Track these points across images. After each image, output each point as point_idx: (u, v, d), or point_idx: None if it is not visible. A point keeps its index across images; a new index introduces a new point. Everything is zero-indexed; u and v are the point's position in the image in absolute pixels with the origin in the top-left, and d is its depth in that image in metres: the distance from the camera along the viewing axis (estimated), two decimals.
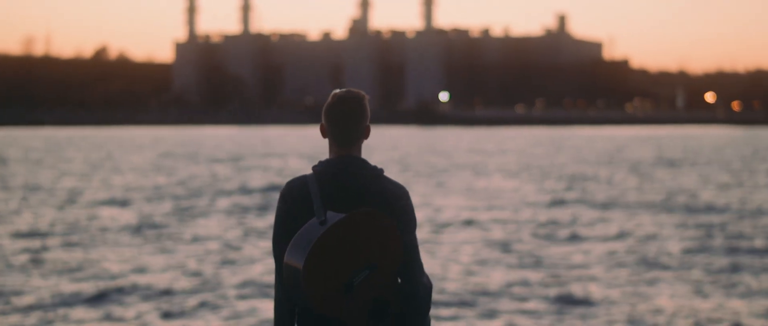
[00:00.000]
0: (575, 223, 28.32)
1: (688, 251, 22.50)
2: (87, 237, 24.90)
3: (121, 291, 17.23)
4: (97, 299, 16.59)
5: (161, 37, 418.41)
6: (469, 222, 28.50)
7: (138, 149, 79.92)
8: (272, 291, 16.72)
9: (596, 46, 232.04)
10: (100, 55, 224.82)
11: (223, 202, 34.72)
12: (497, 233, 26.05)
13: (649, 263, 20.67)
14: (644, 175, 49.78)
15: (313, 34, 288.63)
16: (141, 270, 19.60)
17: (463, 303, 16.32)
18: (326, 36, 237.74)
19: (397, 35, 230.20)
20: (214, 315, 15.47)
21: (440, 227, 27.39)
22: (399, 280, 4.97)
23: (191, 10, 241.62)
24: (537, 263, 20.65)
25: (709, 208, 32.76)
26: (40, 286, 17.68)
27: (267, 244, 23.24)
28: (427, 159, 66.38)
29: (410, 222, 4.99)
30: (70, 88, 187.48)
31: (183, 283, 18.08)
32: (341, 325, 4.85)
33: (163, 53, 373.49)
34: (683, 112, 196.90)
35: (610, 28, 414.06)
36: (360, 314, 4.81)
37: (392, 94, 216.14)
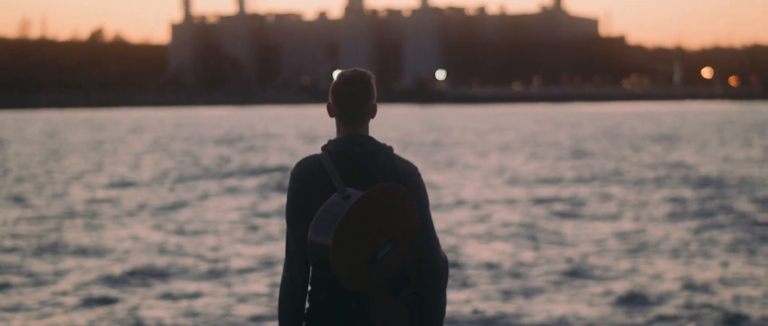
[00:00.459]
0: (576, 199, 28.40)
1: (686, 223, 22.60)
2: (96, 219, 24.99)
3: (131, 273, 17.33)
4: (109, 281, 16.69)
5: (157, 19, 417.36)
6: (470, 201, 28.59)
7: (137, 130, 79.87)
8: (277, 269, 16.81)
9: (592, 23, 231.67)
10: (96, 37, 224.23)
11: (231, 182, 34.79)
12: (501, 210, 26.15)
13: (649, 238, 20.78)
14: (642, 150, 49.84)
15: (309, 13, 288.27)
16: (148, 250, 19.71)
17: (470, 281, 16.44)
18: (322, 15, 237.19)
19: (393, 14, 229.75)
20: (221, 293, 15.57)
21: (446, 206, 27.46)
22: (416, 255, 5.07)
23: None
24: (541, 238, 20.75)
25: (708, 182, 32.83)
26: (56, 269, 17.79)
27: (277, 223, 23.33)
28: (432, 137, 66.38)
29: (423, 198, 5.08)
30: (67, 70, 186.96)
31: (188, 262, 18.18)
32: (357, 299, 4.95)
33: (160, 35, 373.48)
34: (680, 88, 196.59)
35: (606, 4, 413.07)
36: (381, 288, 4.91)
37: (389, 73, 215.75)
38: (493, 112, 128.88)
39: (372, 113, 5.12)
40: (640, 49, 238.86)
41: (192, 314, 14.15)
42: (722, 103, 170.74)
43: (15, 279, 16.59)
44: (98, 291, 15.72)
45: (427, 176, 36.43)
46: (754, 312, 14.00)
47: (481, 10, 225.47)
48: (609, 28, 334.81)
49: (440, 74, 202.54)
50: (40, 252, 19.44)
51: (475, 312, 14.09)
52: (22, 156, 49.87)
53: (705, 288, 15.55)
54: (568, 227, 22.61)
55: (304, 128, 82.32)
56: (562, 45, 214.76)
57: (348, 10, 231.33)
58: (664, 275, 16.66)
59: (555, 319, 13.75)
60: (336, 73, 5.12)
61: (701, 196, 28.70)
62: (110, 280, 16.57)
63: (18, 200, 29.39)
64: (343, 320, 4.94)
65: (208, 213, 25.80)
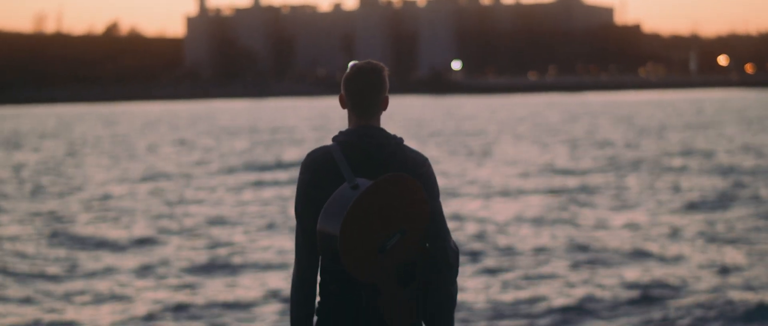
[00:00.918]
0: (595, 187, 28.39)
1: (706, 210, 22.58)
2: (118, 213, 25.08)
3: (149, 267, 17.39)
4: (139, 272, 16.76)
5: (172, 12, 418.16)
6: (492, 190, 28.60)
7: (154, 124, 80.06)
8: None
9: (607, 11, 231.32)
10: (112, 31, 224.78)
11: (253, 176, 34.85)
12: (520, 199, 26.14)
13: (668, 225, 20.76)
14: (661, 138, 49.77)
15: (324, 5, 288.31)
16: (167, 243, 19.77)
17: (490, 267, 16.45)
18: (337, 7, 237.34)
19: (408, 5, 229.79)
20: (241, 286, 15.60)
21: (465, 196, 27.47)
22: (427, 245, 5.04)
23: None
24: (562, 225, 20.74)
25: (727, 170, 32.77)
26: (71, 265, 17.84)
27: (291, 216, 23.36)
28: (452, 127, 66.41)
29: (434, 188, 5.05)
30: (82, 64, 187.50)
31: (204, 256, 18.23)
32: (367, 290, 4.93)
33: (175, 28, 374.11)
34: (696, 76, 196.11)
35: None
36: (390, 278, 4.89)
37: (404, 64, 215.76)
38: (510, 102, 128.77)
39: (384, 105, 5.10)
40: (655, 37, 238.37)
41: (209, 306, 14.18)
42: (739, 90, 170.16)
43: (44, 270, 16.66)
44: (125, 285, 15.77)
45: (446, 165, 36.41)
46: None
47: (496, 0, 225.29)
48: (624, 16, 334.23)
49: (456, 64, 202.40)
50: (63, 245, 19.51)
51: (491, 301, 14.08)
52: (42, 151, 50.04)
53: (725, 274, 15.51)
54: (586, 215, 22.58)
55: (321, 120, 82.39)
56: (577, 34, 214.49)
57: (363, 1, 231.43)
58: (682, 261, 16.63)
59: (573, 301, 13.73)
60: (351, 65, 5.10)
61: (721, 184, 28.64)
62: (137, 272, 16.63)
63: (40, 193, 29.50)
64: (352, 311, 4.93)
65: (229, 207, 25.84)
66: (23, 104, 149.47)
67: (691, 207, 23.71)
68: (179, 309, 14.02)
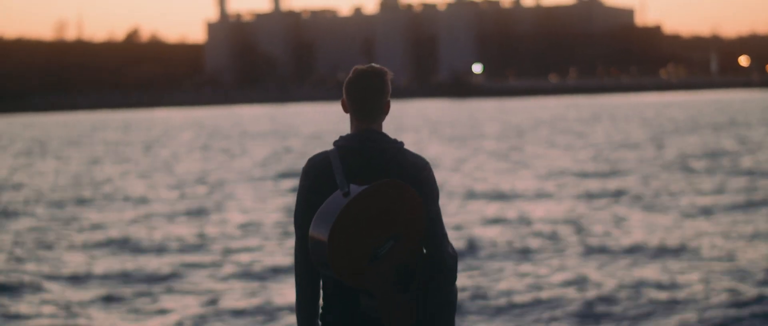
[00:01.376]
0: (619, 189, 28.35)
1: (729, 209, 22.53)
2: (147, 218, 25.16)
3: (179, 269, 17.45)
4: (168, 278, 16.83)
5: (193, 18, 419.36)
6: (514, 193, 28.58)
7: (181, 130, 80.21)
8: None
9: (628, 13, 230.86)
10: (132, 37, 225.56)
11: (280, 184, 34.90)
12: (540, 201, 26.12)
13: (691, 222, 20.71)
14: (684, 140, 49.64)
15: (344, 9, 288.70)
16: (187, 249, 19.82)
17: (506, 256, 16.45)
18: (357, 11, 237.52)
19: (428, 8, 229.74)
20: (254, 293, 15.64)
21: (473, 197, 27.46)
22: (424, 251, 5.02)
23: None
24: (578, 222, 20.73)
25: (751, 171, 32.67)
26: (88, 268, 17.94)
27: None
28: (476, 131, 66.34)
29: (433, 192, 5.03)
30: (104, 71, 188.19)
31: (215, 258, 18.29)
32: (363, 295, 4.90)
33: (195, 34, 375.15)
34: (717, 77, 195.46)
35: None
36: (385, 284, 4.86)
37: (425, 67, 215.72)
38: (531, 105, 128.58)
39: (385, 109, 5.08)
40: (676, 39, 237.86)
41: (224, 313, 14.24)
42: (760, 91, 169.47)
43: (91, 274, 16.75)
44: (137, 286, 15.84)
45: (457, 165, 36.36)
46: None
47: (516, 2, 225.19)
48: (644, 17, 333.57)
49: (477, 67, 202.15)
50: (117, 250, 19.62)
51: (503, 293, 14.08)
52: (69, 159, 50.18)
53: (747, 274, 15.47)
54: (604, 216, 22.55)
55: (344, 125, 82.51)
56: (597, 35, 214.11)
57: (383, 5, 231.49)
58: (703, 263, 16.60)
59: (591, 301, 13.73)
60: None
61: (744, 185, 28.56)
62: (151, 277, 16.70)
63: (79, 202, 29.62)
64: (351, 316, 4.94)
65: (248, 214, 25.90)
66: (45, 112, 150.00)
67: (713, 208, 23.64)
68: (201, 318, 14.08)
